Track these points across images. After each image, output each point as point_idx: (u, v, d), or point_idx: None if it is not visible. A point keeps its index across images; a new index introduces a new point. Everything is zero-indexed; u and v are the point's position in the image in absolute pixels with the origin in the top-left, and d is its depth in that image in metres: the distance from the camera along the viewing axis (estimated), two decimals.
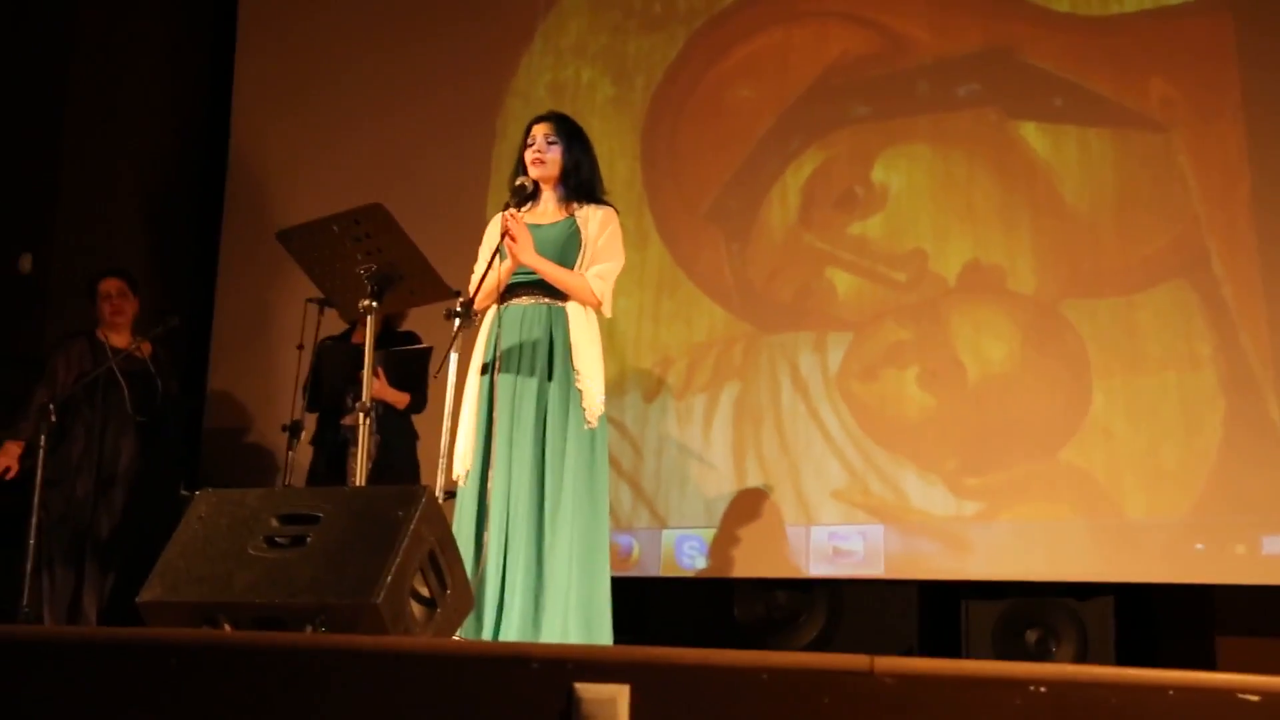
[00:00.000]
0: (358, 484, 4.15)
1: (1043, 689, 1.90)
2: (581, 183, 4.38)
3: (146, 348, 5.97)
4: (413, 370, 5.50)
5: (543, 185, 4.38)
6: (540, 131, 4.37)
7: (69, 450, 5.75)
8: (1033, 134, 5.57)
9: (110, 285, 5.96)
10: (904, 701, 1.94)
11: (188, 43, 7.74)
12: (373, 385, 5.26)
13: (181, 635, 2.52)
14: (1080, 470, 5.22)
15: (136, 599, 3.13)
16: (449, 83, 6.86)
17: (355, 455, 4.19)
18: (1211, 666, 5.21)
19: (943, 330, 5.55)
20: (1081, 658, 5.22)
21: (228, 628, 3.02)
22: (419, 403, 5.58)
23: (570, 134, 4.40)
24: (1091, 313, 5.33)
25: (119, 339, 5.94)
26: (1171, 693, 1.87)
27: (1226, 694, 1.86)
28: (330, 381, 5.54)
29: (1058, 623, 5.28)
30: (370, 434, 4.26)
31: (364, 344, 4.21)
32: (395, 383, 5.48)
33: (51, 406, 5.47)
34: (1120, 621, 5.22)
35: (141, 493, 5.84)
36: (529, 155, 4.35)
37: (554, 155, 4.35)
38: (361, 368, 4.23)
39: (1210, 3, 5.38)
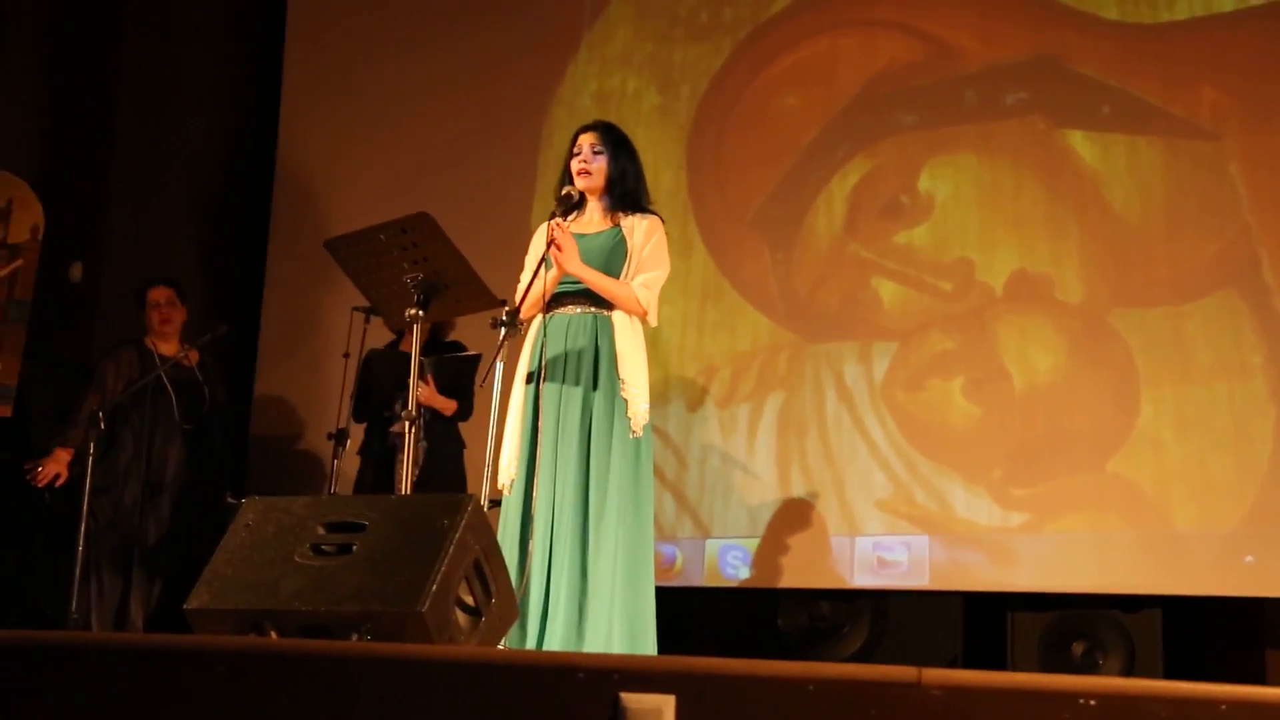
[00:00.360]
0: (404, 492, 4.17)
1: (1092, 702, 1.88)
2: (627, 192, 4.38)
3: (194, 355, 6.01)
4: (461, 377, 5.52)
5: (589, 195, 4.38)
6: (586, 141, 4.37)
7: (117, 458, 5.79)
8: (1081, 142, 5.53)
9: (159, 294, 6.01)
10: (952, 713, 1.93)
11: (236, 51, 7.81)
12: (421, 391, 5.31)
13: (228, 642, 2.54)
14: (1128, 481, 5.17)
15: (184, 606, 3.16)
16: (495, 91, 6.87)
17: (403, 463, 4.20)
18: (1261, 680, 5.16)
19: (989, 340, 5.52)
20: (1129, 671, 5.18)
21: (274, 635, 3.03)
22: (465, 410, 5.59)
23: (616, 143, 4.40)
24: (1140, 322, 5.28)
25: (167, 347, 5.98)
26: (1224, 707, 1.85)
27: None
28: (380, 390, 5.56)
29: (1104, 635, 5.24)
30: (417, 441, 4.27)
31: (412, 353, 4.22)
32: (443, 389, 5.50)
33: (101, 414, 5.52)
34: (1168, 634, 5.17)
35: (188, 500, 5.88)
36: (575, 165, 4.35)
37: (600, 165, 4.35)
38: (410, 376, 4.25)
39: (1263, 10, 5.33)
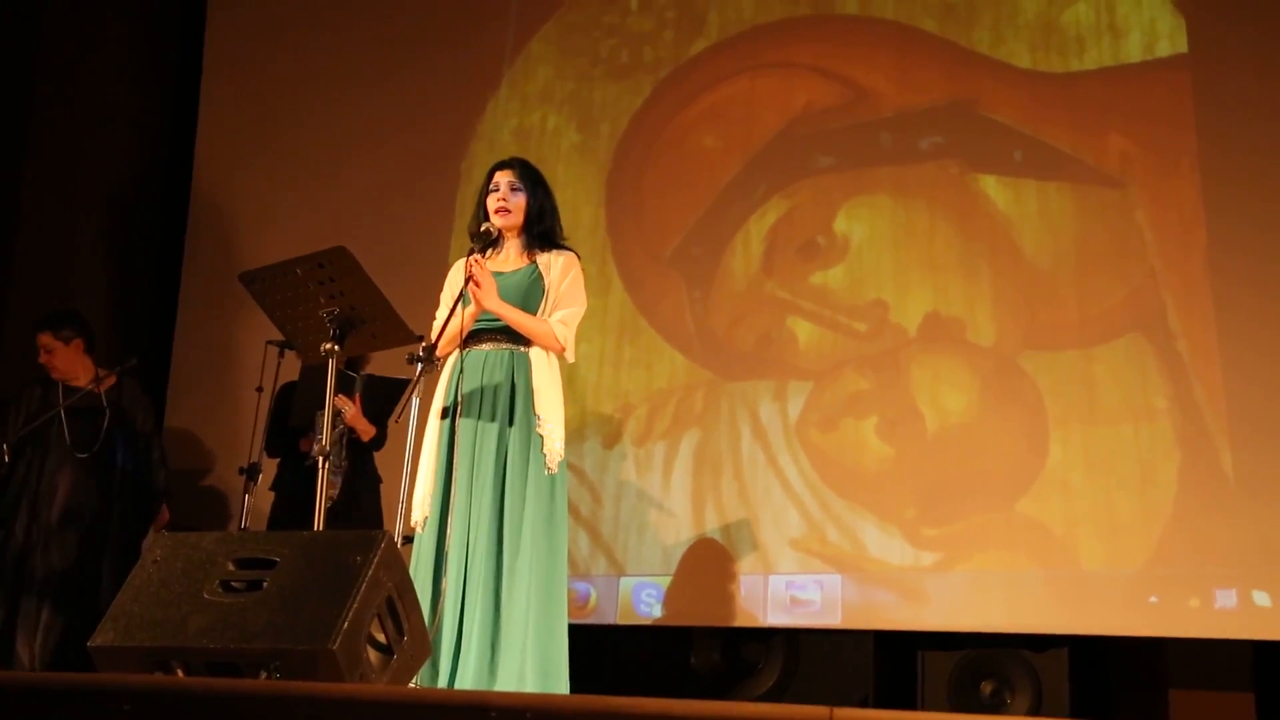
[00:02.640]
0: (317, 528, 4.13)
1: None
2: (545, 230, 4.40)
3: (109, 382, 5.91)
4: (388, 401, 5.45)
5: (506, 232, 4.39)
6: (504, 178, 4.38)
7: (17, 492, 5.71)
8: (993, 187, 5.63)
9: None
10: None
11: (151, 83, 7.72)
12: (348, 409, 5.27)
13: (134, 681, 2.50)
14: (1037, 521, 5.24)
15: (88, 643, 3.10)
16: (414, 127, 6.86)
17: (316, 499, 4.15)
18: None
19: (902, 380, 5.58)
20: (1035, 710, 5.23)
21: (181, 673, 2.99)
22: (381, 439, 5.55)
23: (534, 180, 4.42)
24: (1049, 365, 5.37)
25: (76, 380, 5.88)
26: None
27: None
28: (305, 399, 5.45)
29: (1013, 674, 5.29)
30: (333, 470, 4.22)
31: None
32: (367, 410, 5.44)
33: (5, 447, 5.44)
34: (1075, 673, 5.23)
35: (83, 530, 5.74)
36: (493, 202, 4.36)
37: (519, 202, 4.36)
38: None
39: (1168, 61, 5.45)
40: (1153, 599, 5.03)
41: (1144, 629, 5.07)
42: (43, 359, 5.87)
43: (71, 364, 5.88)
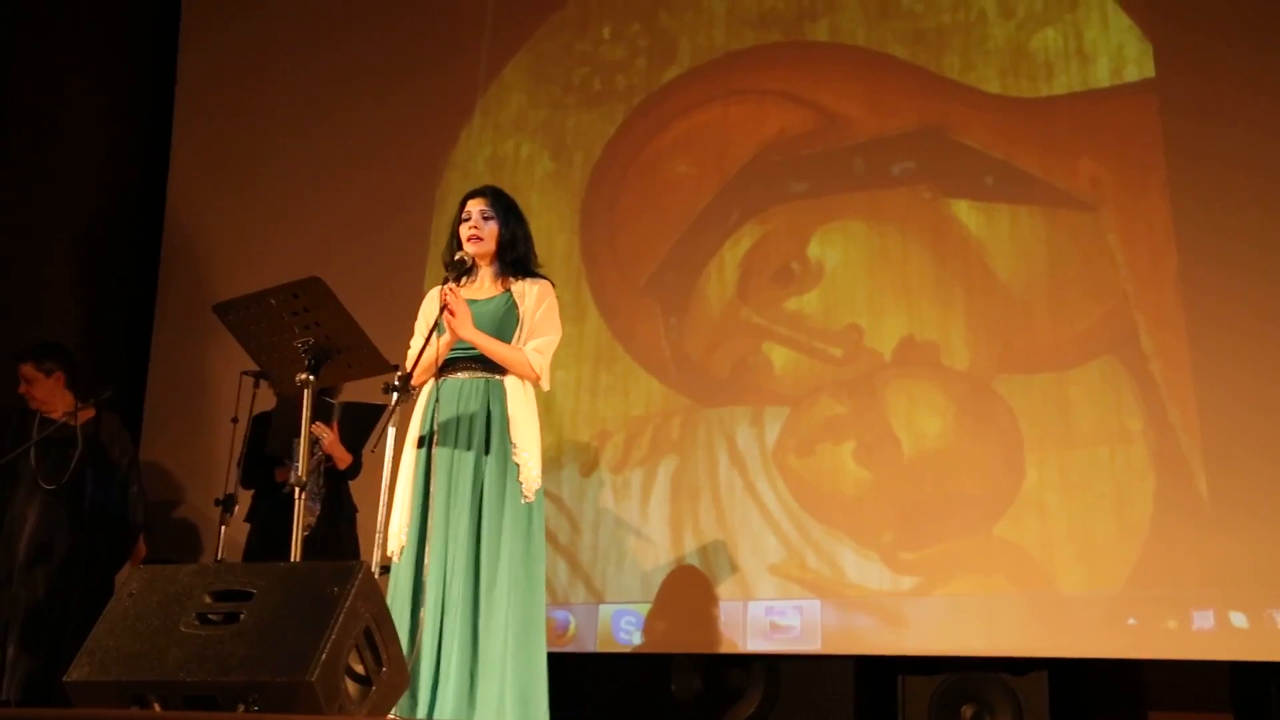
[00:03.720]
0: (293, 559, 4.11)
1: None
2: (518, 257, 4.40)
3: (85, 414, 5.87)
4: (365, 428, 5.43)
5: (479, 260, 4.38)
6: (476, 207, 4.38)
7: None
8: (965, 211, 5.65)
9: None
10: None
11: (125, 113, 7.70)
12: (325, 436, 5.25)
13: (110, 715, 2.49)
14: (1014, 544, 5.25)
15: (64, 678, 3.08)
16: (388, 156, 6.86)
17: (292, 529, 4.14)
18: None
19: (878, 405, 5.59)
20: None
21: (157, 707, 2.97)
22: (356, 468, 5.53)
23: (506, 208, 4.41)
24: (1024, 388, 5.39)
25: (54, 412, 5.86)
26: None
27: None
28: (280, 428, 5.42)
29: (993, 697, 5.29)
30: (309, 502, 4.21)
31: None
32: (344, 437, 5.42)
33: None
34: (1054, 696, 5.24)
35: (57, 564, 5.69)
36: (465, 231, 4.36)
37: (491, 230, 4.36)
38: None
39: (1136, 86, 5.50)
40: (1131, 621, 5.04)
41: (1122, 651, 5.08)
42: (22, 389, 5.85)
43: (50, 395, 5.86)
